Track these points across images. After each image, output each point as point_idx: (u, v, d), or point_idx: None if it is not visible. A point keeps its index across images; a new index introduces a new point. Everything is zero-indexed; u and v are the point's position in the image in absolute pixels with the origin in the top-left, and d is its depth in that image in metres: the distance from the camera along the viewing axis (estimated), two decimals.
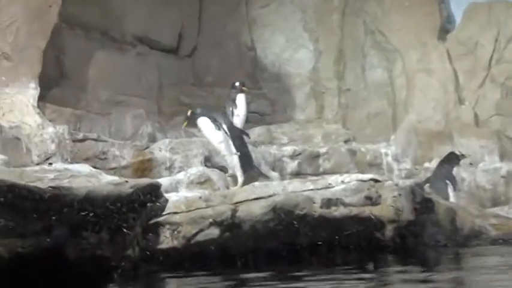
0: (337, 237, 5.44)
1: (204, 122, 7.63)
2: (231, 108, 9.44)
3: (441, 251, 5.67)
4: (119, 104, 9.95)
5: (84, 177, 4.45)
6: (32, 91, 8.28)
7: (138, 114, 9.81)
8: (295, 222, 5.37)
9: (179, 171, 7.78)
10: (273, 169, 9.35)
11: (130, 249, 4.39)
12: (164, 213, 5.26)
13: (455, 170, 8.88)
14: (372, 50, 11.59)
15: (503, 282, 4.02)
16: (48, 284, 3.90)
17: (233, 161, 7.48)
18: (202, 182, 7.03)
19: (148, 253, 5.05)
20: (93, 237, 3.94)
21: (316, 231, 5.42)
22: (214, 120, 7.58)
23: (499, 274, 4.46)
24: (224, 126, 7.57)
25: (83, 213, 3.87)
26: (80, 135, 8.31)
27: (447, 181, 8.60)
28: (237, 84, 9.61)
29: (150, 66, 10.74)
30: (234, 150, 7.54)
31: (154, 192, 4.45)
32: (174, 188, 6.70)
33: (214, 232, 5.41)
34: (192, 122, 7.78)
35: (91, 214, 3.88)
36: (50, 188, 3.83)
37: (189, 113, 7.80)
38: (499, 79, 11.07)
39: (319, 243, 5.43)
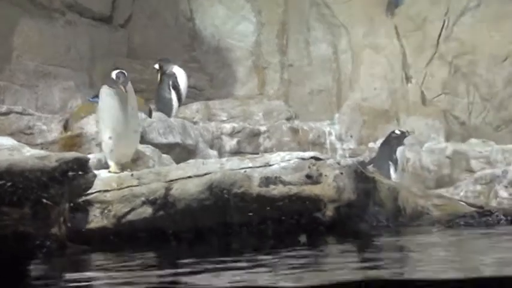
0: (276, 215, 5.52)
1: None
2: (170, 82, 9.47)
3: (382, 230, 5.80)
4: (47, 75, 9.82)
5: (6, 150, 4.44)
6: None
7: (68, 87, 9.72)
8: (232, 201, 5.42)
9: None
10: (211, 147, 9.39)
11: (56, 227, 4.38)
12: (94, 191, 5.26)
13: (399, 150, 9.03)
14: (317, 23, 11.64)
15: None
16: None
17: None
18: (135, 159, 7.02)
19: (76, 232, 5.03)
20: (15, 213, 3.93)
21: (254, 210, 5.48)
22: None
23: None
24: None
25: (3, 187, 3.87)
26: (4, 108, 8.20)
27: (390, 162, 8.79)
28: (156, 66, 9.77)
29: (81, 36, 10.60)
30: None
31: (81, 167, 4.46)
32: (104, 165, 6.67)
33: (147, 211, 5.43)
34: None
35: (12, 188, 3.88)
36: None
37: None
38: (447, 57, 11.25)
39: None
